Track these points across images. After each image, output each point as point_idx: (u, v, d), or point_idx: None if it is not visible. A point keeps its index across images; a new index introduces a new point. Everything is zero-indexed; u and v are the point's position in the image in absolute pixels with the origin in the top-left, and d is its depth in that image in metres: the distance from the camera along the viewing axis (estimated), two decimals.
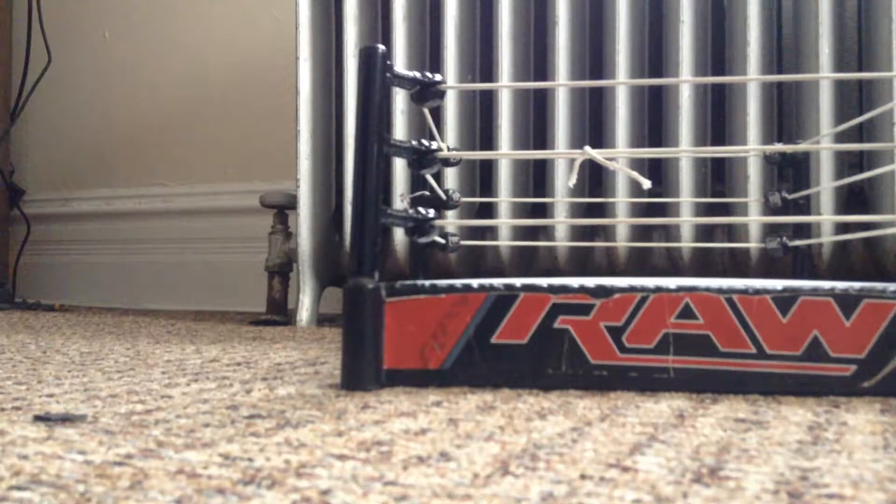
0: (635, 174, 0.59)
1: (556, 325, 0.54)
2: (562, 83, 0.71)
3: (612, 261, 1.14)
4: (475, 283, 0.55)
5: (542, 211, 1.19)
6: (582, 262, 1.16)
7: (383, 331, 0.55)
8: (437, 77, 0.59)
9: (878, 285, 0.53)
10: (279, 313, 1.31)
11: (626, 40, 1.13)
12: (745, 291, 0.53)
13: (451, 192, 0.72)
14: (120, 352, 0.79)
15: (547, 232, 1.17)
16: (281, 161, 1.44)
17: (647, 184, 0.58)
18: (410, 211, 0.60)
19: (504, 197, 1.15)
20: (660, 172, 1.14)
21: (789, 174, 0.87)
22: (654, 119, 1.17)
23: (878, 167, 0.93)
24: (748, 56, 1.08)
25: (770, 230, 1.00)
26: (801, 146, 0.85)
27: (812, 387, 0.52)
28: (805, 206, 1.01)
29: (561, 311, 0.54)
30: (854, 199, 1.10)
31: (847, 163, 1.10)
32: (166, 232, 1.74)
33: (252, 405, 0.48)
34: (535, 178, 1.21)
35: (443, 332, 0.55)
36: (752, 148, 0.98)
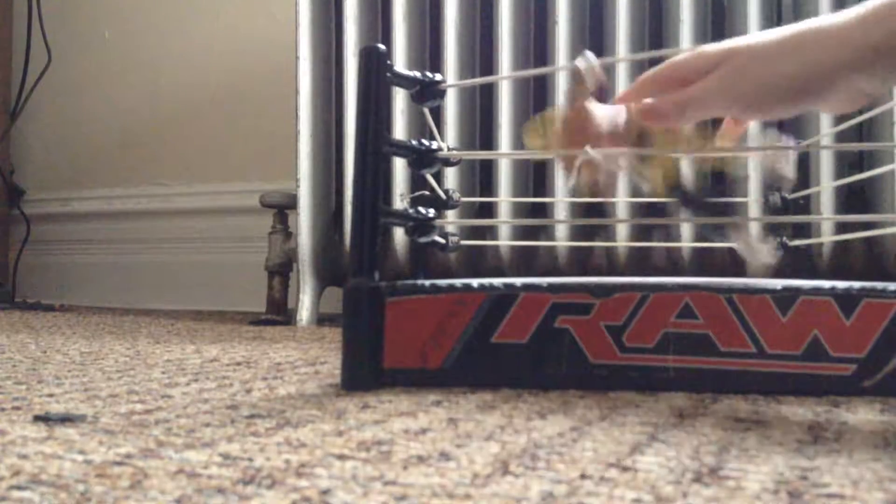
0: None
1: (556, 324, 0.54)
2: (562, 68, 0.71)
3: (612, 261, 1.14)
4: (475, 282, 0.55)
5: (542, 211, 1.19)
6: (582, 262, 1.16)
7: (383, 330, 0.55)
8: (437, 77, 0.59)
9: (878, 285, 0.53)
10: (279, 313, 1.31)
11: (626, 40, 1.13)
12: (745, 291, 0.53)
13: (451, 192, 0.72)
14: (120, 352, 0.79)
15: (547, 232, 1.17)
16: (281, 161, 1.44)
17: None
18: (410, 211, 0.60)
19: (504, 197, 1.15)
20: None
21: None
22: None
23: (878, 167, 0.93)
24: None
25: (770, 230, 1.00)
26: (802, 146, 0.85)
27: (812, 387, 0.52)
28: (805, 206, 1.02)
29: (561, 310, 0.54)
30: (854, 198, 1.09)
31: (847, 163, 1.10)
32: (166, 232, 1.74)
33: (252, 405, 0.48)
34: (535, 178, 1.21)
35: (443, 332, 0.55)
36: (752, 148, 0.98)
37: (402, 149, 0.60)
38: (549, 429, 0.41)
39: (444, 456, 0.35)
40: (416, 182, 1.17)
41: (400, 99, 1.18)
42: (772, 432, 0.41)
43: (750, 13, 1.08)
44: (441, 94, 0.59)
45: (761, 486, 0.31)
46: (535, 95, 1.20)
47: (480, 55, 1.23)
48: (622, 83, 1.14)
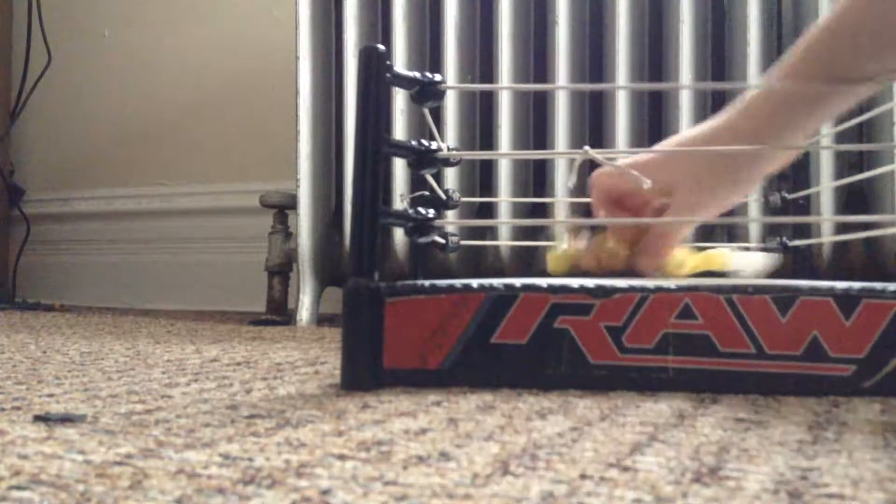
0: (636, 174, 0.59)
1: (556, 325, 0.54)
2: (562, 86, 0.71)
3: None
4: (475, 283, 0.55)
5: (543, 211, 1.19)
6: None
7: (383, 331, 0.55)
8: (437, 77, 0.59)
9: (878, 285, 0.53)
10: (279, 313, 1.31)
11: (626, 40, 1.13)
12: (744, 291, 0.53)
13: (451, 192, 0.72)
14: (120, 352, 0.79)
15: (547, 232, 1.17)
16: (281, 161, 1.44)
17: (647, 183, 0.58)
18: (410, 211, 0.60)
19: (504, 197, 1.15)
20: None
21: (789, 174, 0.87)
22: (653, 119, 1.17)
23: (878, 167, 0.93)
24: (748, 56, 1.08)
25: (770, 230, 1.00)
26: (802, 146, 0.85)
27: (812, 387, 0.52)
28: (805, 206, 1.02)
29: (561, 311, 0.54)
30: (854, 199, 1.09)
31: (847, 163, 1.10)
32: (166, 232, 1.74)
33: (252, 405, 0.48)
34: (535, 178, 1.21)
35: (443, 332, 0.55)
36: (751, 147, 0.98)
37: (402, 149, 0.60)
38: (549, 429, 0.41)
39: (444, 456, 0.35)
40: (416, 182, 1.17)
41: (400, 99, 1.18)
42: (772, 432, 0.41)
43: (750, 14, 1.08)
44: (441, 94, 0.59)
45: (761, 486, 0.31)
46: (535, 95, 1.20)
47: (480, 55, 1.23)
48: (622, 78, 1.14)
